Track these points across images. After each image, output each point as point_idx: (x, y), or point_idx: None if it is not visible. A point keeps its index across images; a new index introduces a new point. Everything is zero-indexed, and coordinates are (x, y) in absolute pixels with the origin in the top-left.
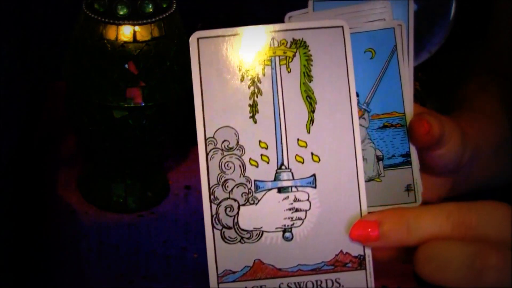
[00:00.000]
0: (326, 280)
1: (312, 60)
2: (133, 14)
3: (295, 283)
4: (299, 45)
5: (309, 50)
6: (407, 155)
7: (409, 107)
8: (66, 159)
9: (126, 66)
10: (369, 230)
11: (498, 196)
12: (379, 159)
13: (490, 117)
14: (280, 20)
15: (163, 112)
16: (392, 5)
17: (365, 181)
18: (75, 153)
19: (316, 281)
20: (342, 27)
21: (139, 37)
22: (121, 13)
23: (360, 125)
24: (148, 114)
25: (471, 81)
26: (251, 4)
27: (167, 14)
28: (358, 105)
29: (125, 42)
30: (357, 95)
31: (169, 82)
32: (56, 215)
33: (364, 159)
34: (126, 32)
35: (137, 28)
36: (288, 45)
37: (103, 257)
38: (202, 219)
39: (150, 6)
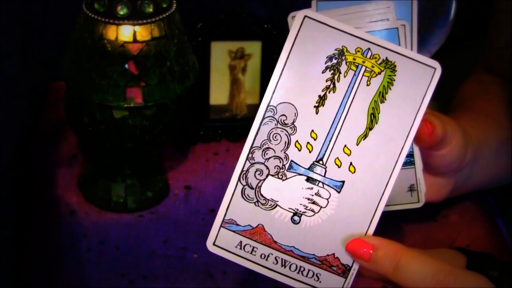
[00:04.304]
0: (309, 270)
1: (393, 85)
2: (133, 14)
3: (282, 259)
4: (389, 66)
5: (395, 75)
6: (410, 155)
7: None
8: (66, 159)
9: (126, 66)
10: (364, 249)
11: (498, 195)
12: None
13: (490, 117)
14: (281, 19)
15: (163, 112)
16: (395, 5)
17: None
18: (75, 153)
19: (300, 267)
20: (435, 69)
21: (139, 37)
22: (121, 13)
23: None
24: (148, 114)
25: (471, 81)
26: (251, 4)
27: (167, 14)
28: None
29: (125, 42)
30: None
31: (169, 82)
32: (56, 215)
33: None
34: (126, 32)
35: (137, 28)
36: (379, 62)
37: (103, 257)
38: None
39: (150, 6)
